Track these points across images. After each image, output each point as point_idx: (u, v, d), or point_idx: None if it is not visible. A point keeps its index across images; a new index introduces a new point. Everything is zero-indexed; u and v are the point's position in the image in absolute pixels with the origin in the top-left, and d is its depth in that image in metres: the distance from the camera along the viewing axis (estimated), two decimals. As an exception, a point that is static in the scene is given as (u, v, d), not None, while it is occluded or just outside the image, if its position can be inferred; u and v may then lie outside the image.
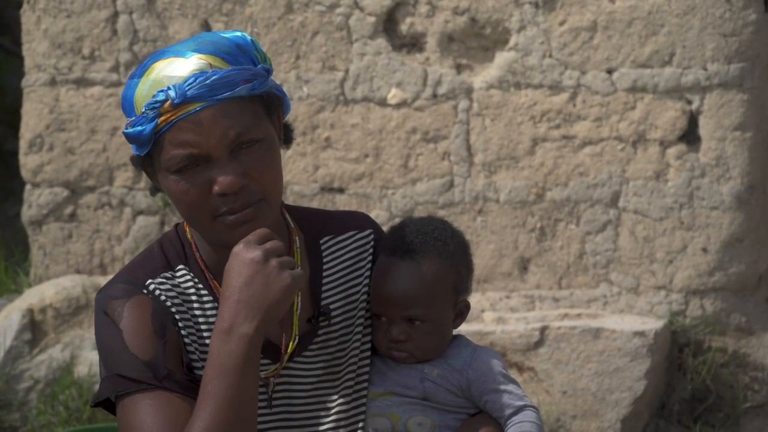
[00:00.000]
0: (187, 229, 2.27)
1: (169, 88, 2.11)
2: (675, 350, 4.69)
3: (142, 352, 2.14)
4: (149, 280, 2.20)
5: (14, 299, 5.13)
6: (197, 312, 2.22)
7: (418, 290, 2.30)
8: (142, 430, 2.09)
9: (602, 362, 4.54)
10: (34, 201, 5.12)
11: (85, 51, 5.03)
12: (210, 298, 2.23)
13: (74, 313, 4.92)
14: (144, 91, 2.14)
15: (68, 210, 5.10)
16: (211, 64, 2.13)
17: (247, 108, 2.14)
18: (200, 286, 2.23)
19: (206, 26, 4.94)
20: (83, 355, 4.85)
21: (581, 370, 4.55)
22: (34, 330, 4.91)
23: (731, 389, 4.69)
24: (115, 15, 5.00)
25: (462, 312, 2.37)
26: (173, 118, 2.11)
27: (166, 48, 2.20)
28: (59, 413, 4.74)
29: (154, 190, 2.26)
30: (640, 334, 4.53)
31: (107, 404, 2.20)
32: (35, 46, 5.06)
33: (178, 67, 2.13)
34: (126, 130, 2.16)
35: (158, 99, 2.11)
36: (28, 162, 5.11)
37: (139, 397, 2.12)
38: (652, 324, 4.60)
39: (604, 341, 4.54)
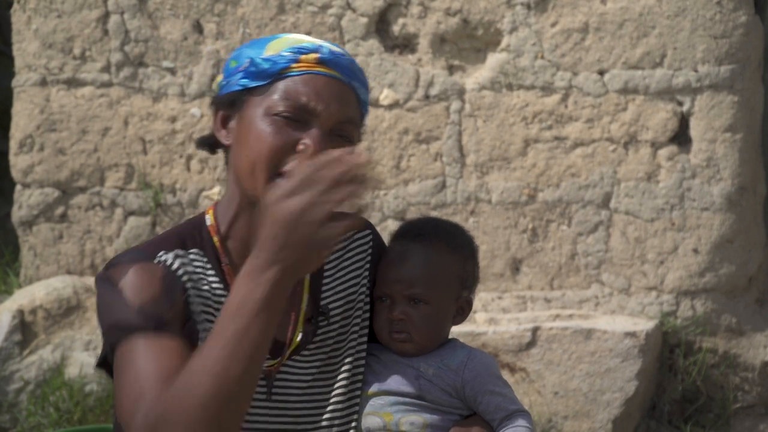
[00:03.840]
0: (210, 214, 2.27)
1: (321, 46, 2.19)
2: (666, 351, 4.70)
3: (139, 300, 2.11)
4: (161, 252, 2.19)
5: (4, 300, 5.11)
6: (205, 294, 2.21)
7: (423, 270, 2.34)
8: (133, 370, 2.06)
9: (593, 363, 4.55)
10: (25, 201, 5.10)
11: (76, 51, 5.02)
12: (220, 285, 2.22)
13: (65, 314, 4.91)
14: (282, 44, 2.20)
15: (59, 210, 5.09)
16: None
17: (357, 109, 2.23)
18: (211, 271, 2.22)
19: (198, 26, 4.94)
20: (74, 356, 4.84)
21: (573, 371, 4.55)
22: (24, 331, 4.89)
23: (722, 390, 4.71)
24: (106, 15, 4.99)
25: (463, 309, 2.40)
26: (309, 69, 2.17)
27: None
28: (50, 414, 4.73)
29: (206, 142, 2.28)
30: (632, 334, 4.54)
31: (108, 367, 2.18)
32: (26, 46, 5.05)
33: (323, 42, 2.22)
34: (256, 59, 2.19)
35: (306, 47, 2.19)
36: (18, 162, 5.09)
37: (133, 340, 2.08)
38: (643, 325, 4.61)
39: (595, 342, 4.55)
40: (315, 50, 2.19)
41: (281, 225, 1.87)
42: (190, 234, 2.24)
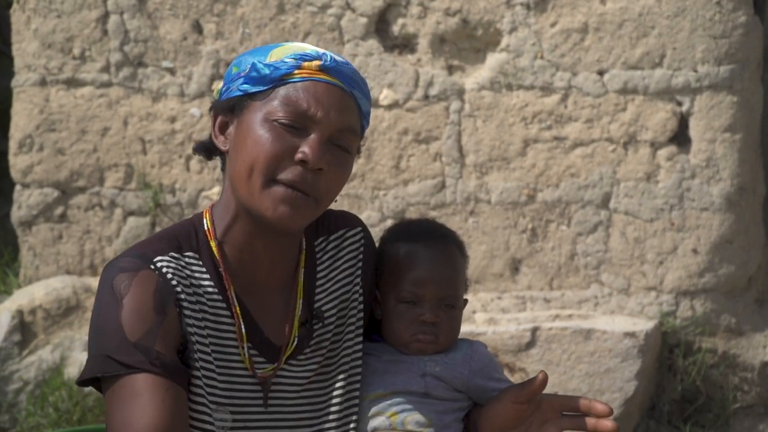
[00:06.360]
0: (207, 217, 2.26)
1: (324, 53, 2.19)
2: (665, 351, 4.70)
3: (134, 333, 2.11)
4: (158, 257, 2.18)
5: (4, 300, 5.11)
6: (201, 299, 2.20)
7: (453, 272, 2.37)
8: (125, 412, 2.08)
9: (593, 363, 4.55)
10: (24, 201, 5.10)
11: (76, 51, 5.02)
12: (215, 290, 2.21)
13: (64, 314, 4.91)
14: (285, 51, 2.20)
15: (58, 211, 5.08)
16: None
17: (358, 119, 2.22)
18: (206, 275, 2.21)
19: (197, 27, 4.94)
20: (73, 356, 4.84)
21: (572, 371, 4.55)
22: (23, 331, 4.89)
23: (721, 390, 4.71)
24: (106, 15, 4.99)
25: (463, 308, 2.42)
26: (310, 76, 2.17)
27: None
28: (49, 415, 4.73)
29: (203, 148, 2.28)
30: (631, 335, 4.54)
31: (93, 381, 2.18)
32: (25, 46, 5.05)
33: (327, 51, 2.23)
34: (258, 64, 2.19)
35: (309, 54, 2.19)
36: (18, 162, 5.09)
37: (126, 380, 2.10)
38: (643, 325, 4.61)
39: (594, 342, 4.55)
40: (318, 58, 2.18)
41: None
42: (186, 236, 2.23)
